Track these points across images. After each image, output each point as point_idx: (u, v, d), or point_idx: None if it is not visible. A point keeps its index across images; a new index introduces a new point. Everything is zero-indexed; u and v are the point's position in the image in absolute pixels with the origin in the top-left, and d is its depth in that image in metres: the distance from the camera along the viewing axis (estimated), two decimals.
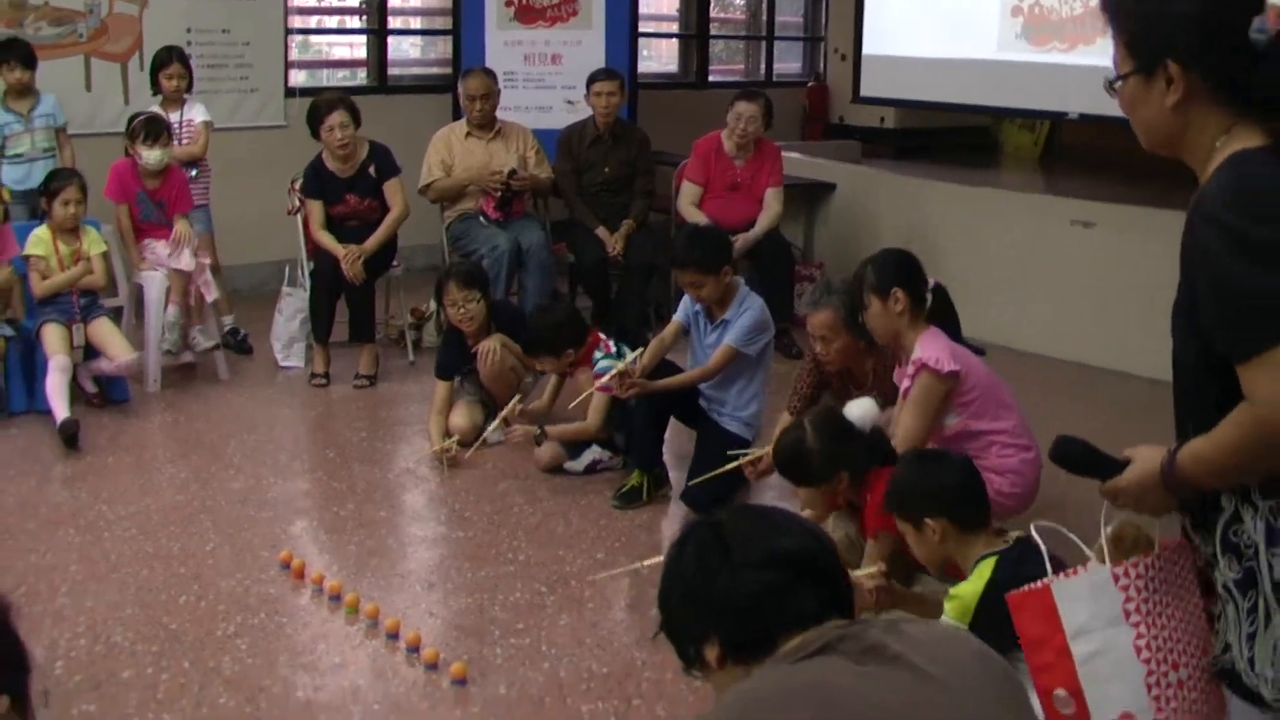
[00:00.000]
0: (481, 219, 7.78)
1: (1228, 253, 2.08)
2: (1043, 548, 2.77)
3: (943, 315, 4.57)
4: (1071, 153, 10.81)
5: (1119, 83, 2.32)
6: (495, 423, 6.11)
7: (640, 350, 5.69)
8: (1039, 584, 2.46)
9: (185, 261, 7.01)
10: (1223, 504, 2.27)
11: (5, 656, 1.76)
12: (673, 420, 5.82)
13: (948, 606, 3.25)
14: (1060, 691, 2.38)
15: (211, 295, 7.18)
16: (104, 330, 6.60)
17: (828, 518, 4.43)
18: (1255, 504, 2.22)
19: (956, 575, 3.53)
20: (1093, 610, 2.37)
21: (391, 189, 7.40)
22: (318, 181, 7.34)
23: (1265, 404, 2.08)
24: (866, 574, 3.72)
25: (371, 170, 7.37)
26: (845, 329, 4.88)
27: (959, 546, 3.50)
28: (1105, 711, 1.97)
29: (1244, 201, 2.11)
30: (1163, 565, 2.39)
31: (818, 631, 1.94)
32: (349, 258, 7.14)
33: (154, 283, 7.04)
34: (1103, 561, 2.40)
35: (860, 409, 4.26)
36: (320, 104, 7.31)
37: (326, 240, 7.27)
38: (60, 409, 6.15)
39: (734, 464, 5.09)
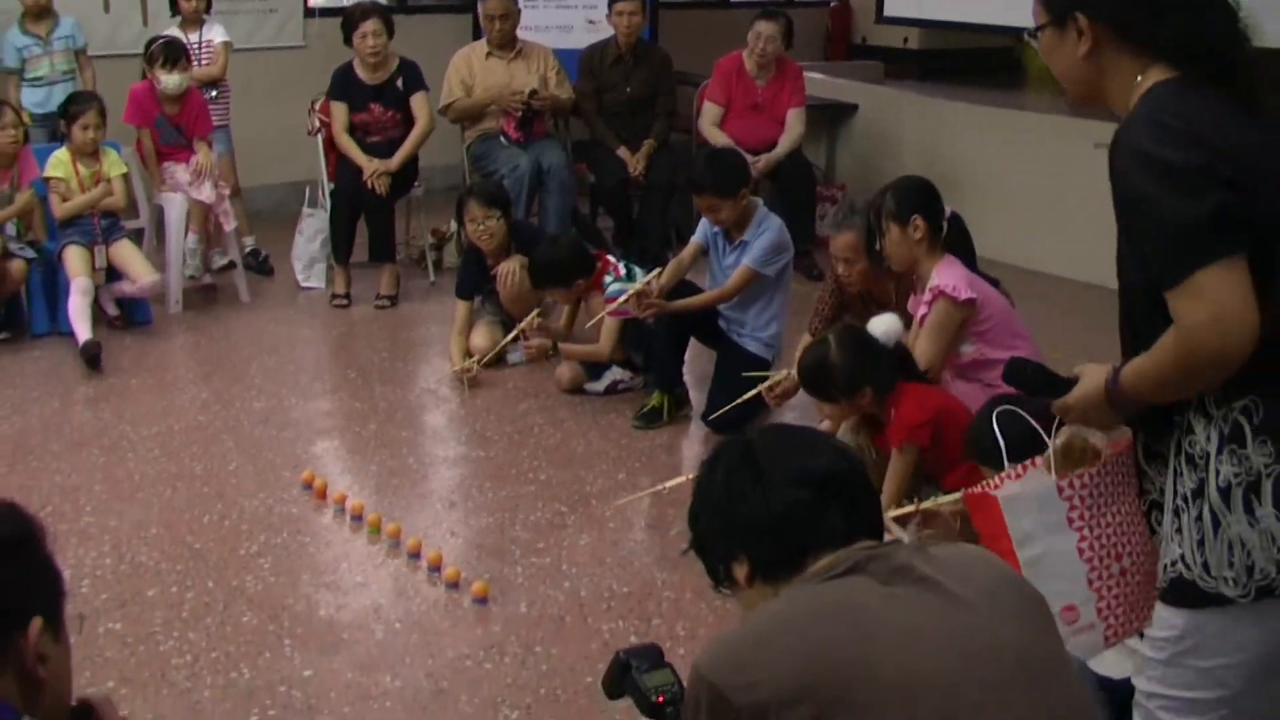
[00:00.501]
0: (502, 139, 7.70)
1: (1149, 181, 2.13)
2: None
3: (958, 244, 4.56)
4: None
5: (1037, 34, 2.39)
6: (513, 334, 6.11)
7: (658, 271, 5.66)
8: (991, 488, 2.53)
9: (206, 194, 6.98)
10: (1175, 420, 2.32)
11: (37, 578, 1.77)
12: (693, 341, 5.81)
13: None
14: None
15: (230, 225, 7.15)
16: (125, 252, 6.60)
17: (839, 427, 4.46)
18: (1209, 413, 2.27)
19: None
20: (1037, 519, 2.46)
21: (418, 102, 7.37)
22: (344, 85, 7.30)
23: (1188, 329, 2.13)
24: (949, 501, 3.66)
25: (399, 83, 7.33)
26: (868, 251, 4.85)
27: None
28: (1050, 604, 2.05)
29: (1160, 130, 2.15)
30: (1107, 471, 2.45)
31: (846, 552, 1.94)
32: (373, 171, 7.11)
33: (174, 204, 7.02)
34: (1050, 473, 2.48)
35: (884, 324, 4.28)
36: (355, 10, 7.28)
37: (350, 147, 7.23)
38: (82, 331, 6.16)
39: (754, 390, 5.07)
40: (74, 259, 6.44)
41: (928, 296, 4.40)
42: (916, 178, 4.68)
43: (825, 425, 4.54)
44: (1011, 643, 1.86)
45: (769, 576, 1.99)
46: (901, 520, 3.71)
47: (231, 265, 7.32)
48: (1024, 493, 2.49)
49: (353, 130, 7.30)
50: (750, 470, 2.02)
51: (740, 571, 2.02)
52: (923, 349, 4.39)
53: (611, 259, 6.06)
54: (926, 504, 3.67)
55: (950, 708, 1.77)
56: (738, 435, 2.13)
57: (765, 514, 1.99)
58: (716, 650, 1.89)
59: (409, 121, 7.36)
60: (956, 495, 3.69)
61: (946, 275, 4.39)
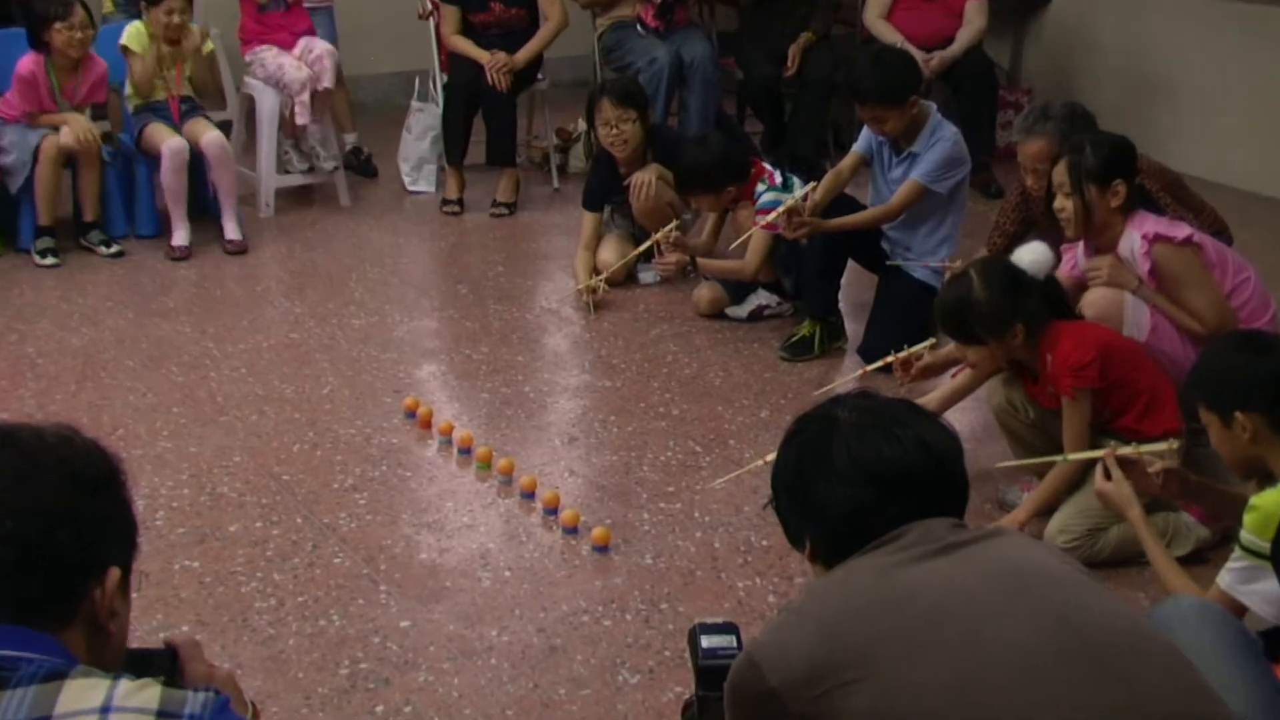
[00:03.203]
0: (639, 28, 7.61)
1: None
2: None
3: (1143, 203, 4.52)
4: None
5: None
6: (645, 245, 6.08)
7: (812, 184, 5.55)
8: None
9: (323, 78, 6.99)
10: None
11: (118, 525, 1.78)
12: (851, 264, 5.74)
13: (1246, 518, 3.09)
14: None
15: (305, 118, 6.99)
16: (199, 125, 6.63)
17: (986, 379, 4.41)
18: None
19: (1264, 482, 3.35)
20: None
21: None
22: None
23: None
24: (1155, 450, 3.59)
25: None
26: (1075, 187, 4.71)
27: (1271, 449, 3.21)
28: None
29: None
30: None
31: (912, 538, 2.14)
32: (495, 64, 7.04)
33: (266, 95, 7.05)
34: None
35: (1032, 255, 4.13)
36: None
37: (465, 45, 7.18)
38: (177, 215, 6.32)
39: (910, 350, 4.89)
40: (158, 130, 6.51)
41: (1142, 248, 4.30)
42: (1118, 136, 4.54)
43: (959, 380, 4.53)
44: (1059, 621, 2.00)
45: (827, 561, 2.23)
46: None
47: (336, 169, 7.31)
48: None
49: (470, 28, 7.24)
50: (821, 457, 2.25)
51: (805, 545, 2.30)
52: (1197, 305, 4.30)
53: (768, 166, 5.97)
54: (1126, 450, 3.57)
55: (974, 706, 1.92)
56: (830, 405, 2.33)
57: (827, 506, 2.22)
58: (767, 626, 2.16)
59: (534, 17, 7.28)
60: (1164, 444, 3.64)
61: (1149, 224, 4.34)
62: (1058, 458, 4.04)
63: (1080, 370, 4.00)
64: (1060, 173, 4.40)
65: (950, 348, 4.44)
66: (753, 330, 5.85)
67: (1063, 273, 4.46)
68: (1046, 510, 4.15)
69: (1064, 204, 4.42)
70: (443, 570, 4.00)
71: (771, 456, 4.04)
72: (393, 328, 5.75)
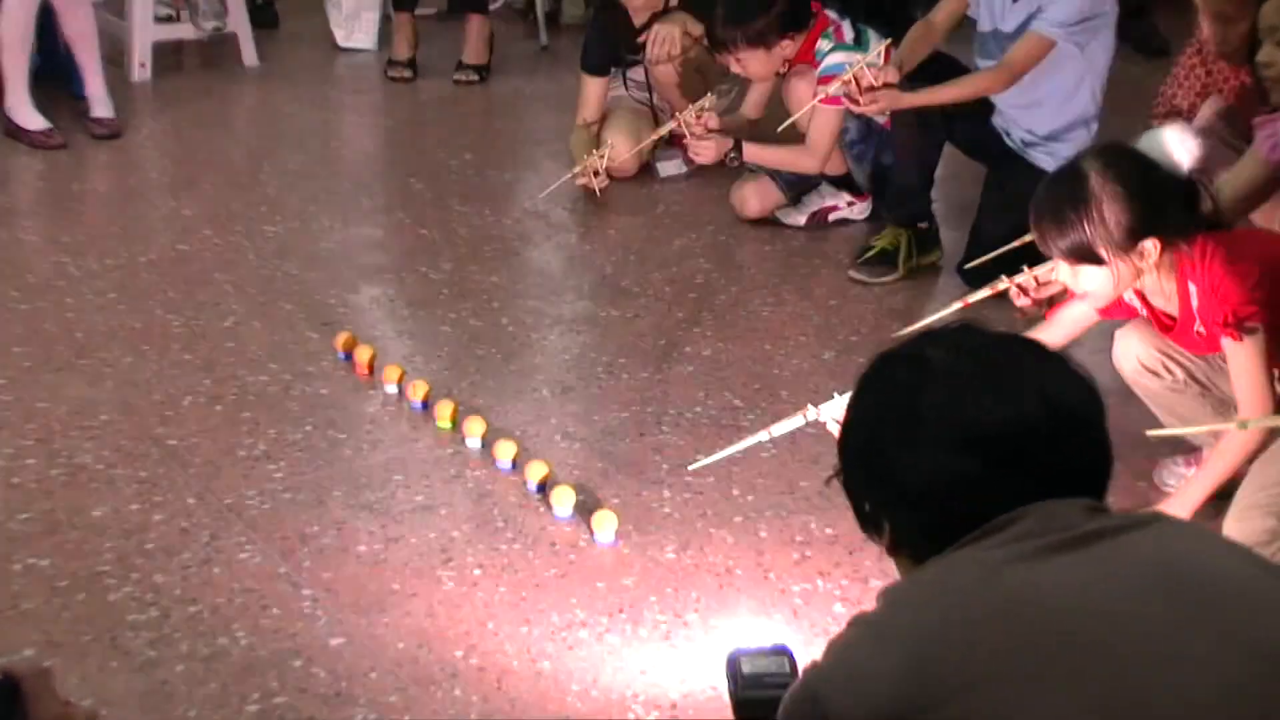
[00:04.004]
0: None
1: None
2: None
3: None
4: None
5: None
6: (667, 126, 6.05)
7: (890, 40, 5.52)
8: None
9: None
10: None
11: None
12: (949, 151, 5.73)
13: None
14: None
15: None
16: None
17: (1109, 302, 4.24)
18: None
19: None
20: None
21: None
22: None
23: None
24: None
25: None
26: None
27: None
28: None
29: None
30: None
31: (1030, 525, 2.10)
32: None
33: None
34: None
35: (1173, 140, 4.00)
36: None
37: None
38: (16, 83, 6.28)
39: (1034, 270, 4.74)
40: None
41: None
42: None
43: (1078, 317, 4.32)
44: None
45: (914, 554, 2.23)
46: None
47: (219, 30, 7.27)
48: None
49: None
50: (907, 413, 2.21)
51: (885, 533, 2.29)
52: None
53: (831, 15, 5.91)
54: None
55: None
56: (920, 343, 2.31)
57: (912, 480, 2.20)
58: (832, 647, 2.15)
59: None
60: None
61: None
62: (1228, 424, 3.89)
63: (1240, 307, 3.82)
64: (1273, 11, 4.35)
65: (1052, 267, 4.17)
66: (814, 241, 5.87)
67: (1260, 153, 4.39)
68: (1221, 494, 3.96)
69: (1223, 33, 4.37)
70: (389, 568, 3.97)
71: (783, 426, 4.14)
72: (321, 237, 5.79)
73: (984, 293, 4.45)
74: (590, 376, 4.96)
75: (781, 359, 5.05)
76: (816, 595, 3.92)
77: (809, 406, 3.99)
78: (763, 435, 4.13)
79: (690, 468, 4.38)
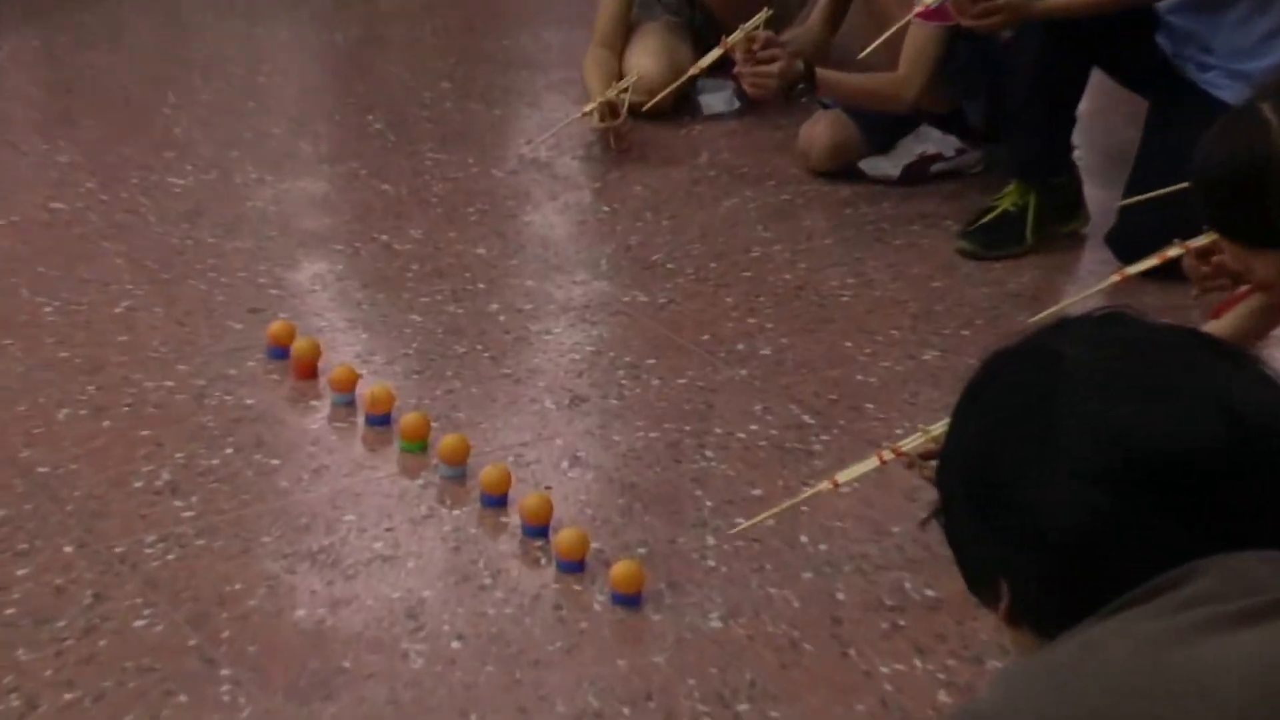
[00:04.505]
0: None
1: None
2: None
3: None
4: None
5: None
6: (715, 54, 6.06)
7: None
8: None
9: None
10: None
11: None
12: (1097, 78, 5.74)
13: None
14: None
15: None
16: None
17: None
18: None
19: None
20: None
21: None
22: None
23: None
24: None
25: None
26: None
27: None
28: None
29: None
30: None
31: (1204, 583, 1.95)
32: None
33: None
34: None
35: None
36: None
37: None
38: None
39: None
40: None
41: None
42: None
43: (1250, 309, 4.38)
44: None
45: (1041, 624, 2.11)
46: None
47: None
48: None
49: None
50: (1035, 431, 2.09)
51: (1001, 594, 2.18)
52: None
53: None
54: None
55: None
56: (1052, 336, 2.20)
57: (1041, 522, 2.07)
58: None
59: None
60: None
61: None
62: None
63: None
64: None
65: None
66: (911, 200, 5.91)
67: None
68: None
69: None
70: (337, 640, 3.89)
71: (861, 468, 4.23)
72: (245, 194, 5.83)
73: (1147, 263, 4.50)
74: (608, 383, 4.98)
75: (867, 359, 5.07)
76: (912, 680, 3.85)
77: (884, 448, 4.11)
78: (824, 485, 4.18)
79: (733, 530, 4.33)
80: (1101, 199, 5.66)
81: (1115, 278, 4.66)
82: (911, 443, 4.12)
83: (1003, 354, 2.22)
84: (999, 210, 5.57)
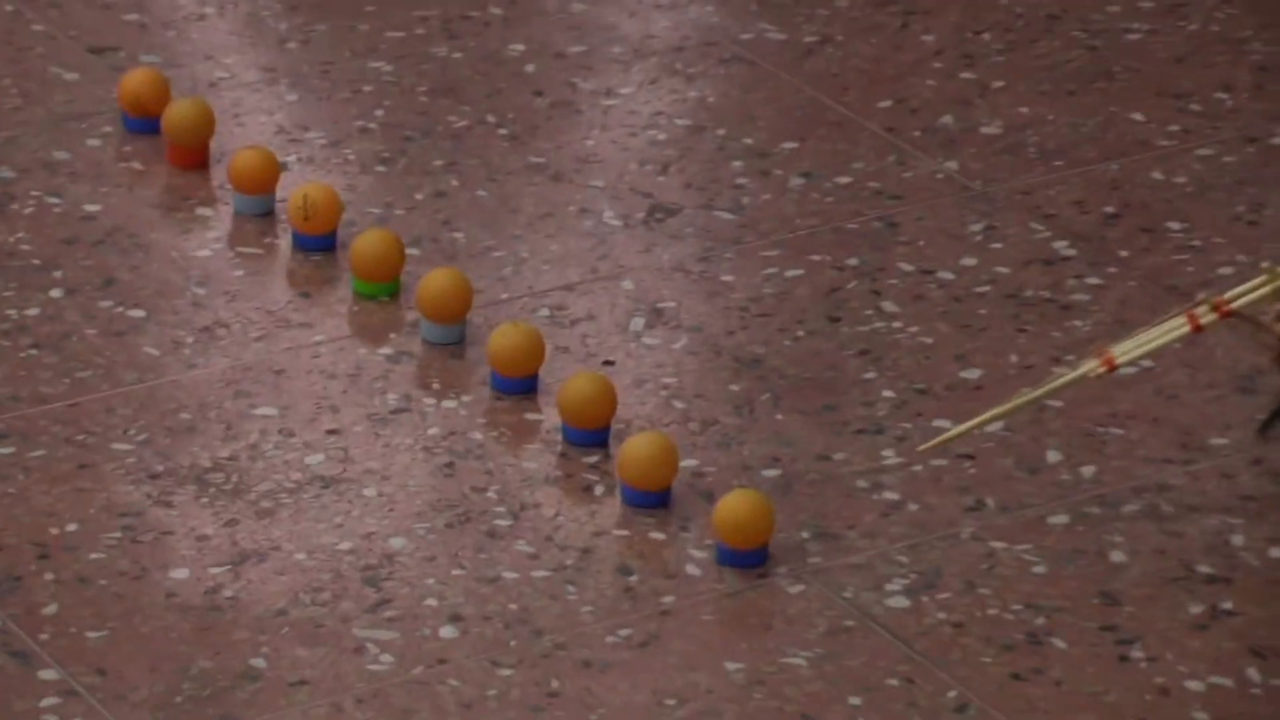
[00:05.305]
0: None
1: None
2: None
3: None
4: None
5: None
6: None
7: None
8: None
9: None
10: None
11: None
12: None
13: None
14: None
15: None
16: None
17: None
18: None
19: None
20: None
21: None
22: None
23: None
24: None
25: None
26: None
27: None
28: None
29: None
30: None
31: None
32: None
33: None
34: None
35: None
36: None
37: None
38: None
39: None
40: None
41: None
42: None
43: None
44: None
45: None
46: None
47: None
48: None
49: None
50: None
51: None
52: None
53: None
54: None
55: None
56: None
57: None
58: None
59: None
60: None
61: None
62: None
63: None
64: None
65: None
66: None
67: None
68: None
69: None
70: (243, 623, 3.85)
71: (1154, 339, 4.49)
72: None
73: None
74: (715, 182, 5.14)
75: (1171, 146, 5.34)
76: (1233, 699, 3.76)
77: (1200, 300, 4.19)
78: (1093, 366, 4.23)
79: (924, 446, 4.28)
80: None
81: None
82: (1248, 292, 3.91)
83: None
84: None
